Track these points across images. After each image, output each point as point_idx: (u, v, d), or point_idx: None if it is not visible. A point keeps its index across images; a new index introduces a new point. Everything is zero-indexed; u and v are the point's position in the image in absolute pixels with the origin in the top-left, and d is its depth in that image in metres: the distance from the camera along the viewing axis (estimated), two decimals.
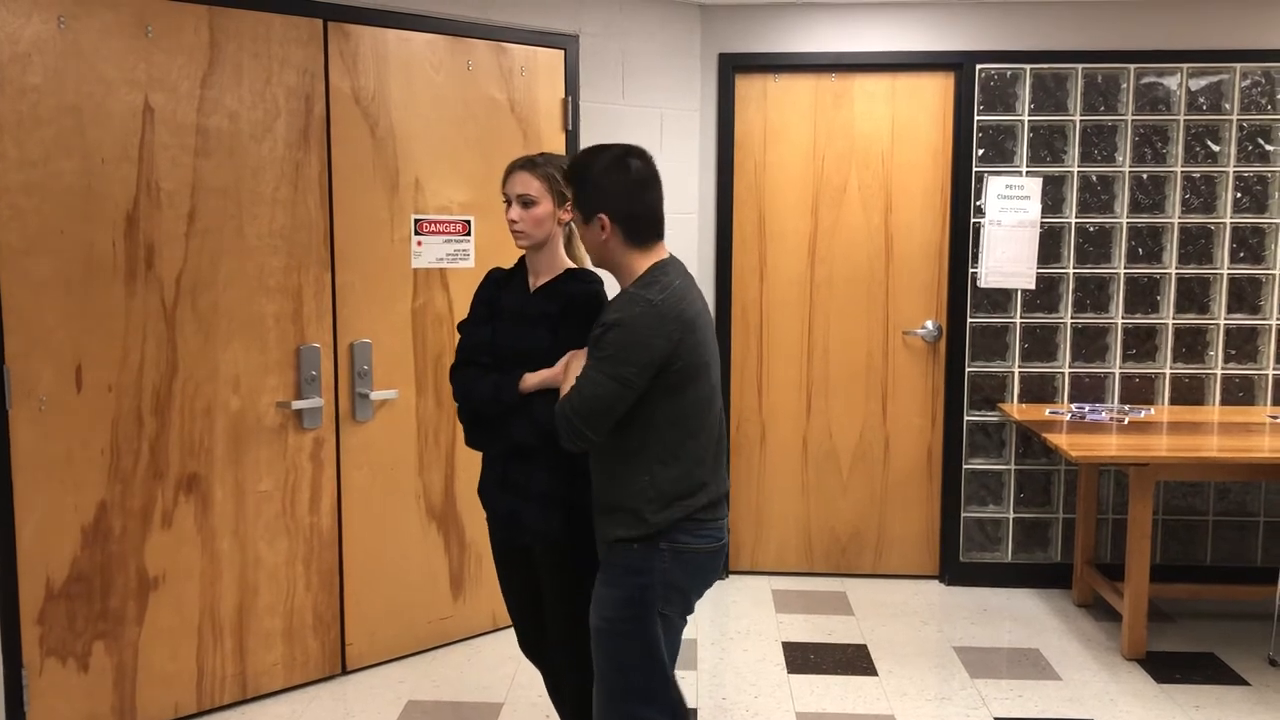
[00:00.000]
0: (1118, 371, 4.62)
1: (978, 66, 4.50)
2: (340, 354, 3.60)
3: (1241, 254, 4.54)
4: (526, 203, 2.52)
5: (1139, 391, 4.63)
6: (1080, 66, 4.48)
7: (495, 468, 2.62)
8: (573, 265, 2.66)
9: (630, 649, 2.33)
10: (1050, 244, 4.57)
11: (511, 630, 4.16)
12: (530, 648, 2.81)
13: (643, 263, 2.33)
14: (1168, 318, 4.59)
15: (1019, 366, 4.64)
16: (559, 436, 2.29)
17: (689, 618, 2.47)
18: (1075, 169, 4.53)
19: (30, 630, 3.08)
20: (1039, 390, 4.64)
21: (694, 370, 2.28)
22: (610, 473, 2.34)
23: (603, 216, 2.29)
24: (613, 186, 2.29)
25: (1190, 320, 4.59)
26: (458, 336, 2.68)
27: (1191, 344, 4.60)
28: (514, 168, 2.58)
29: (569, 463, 2.48)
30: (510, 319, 2.59)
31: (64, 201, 3.04)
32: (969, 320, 4.61)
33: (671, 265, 2.34)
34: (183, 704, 3.38)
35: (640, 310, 2.21)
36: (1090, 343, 4.62)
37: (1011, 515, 4.70)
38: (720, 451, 2.40)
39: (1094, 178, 4.54)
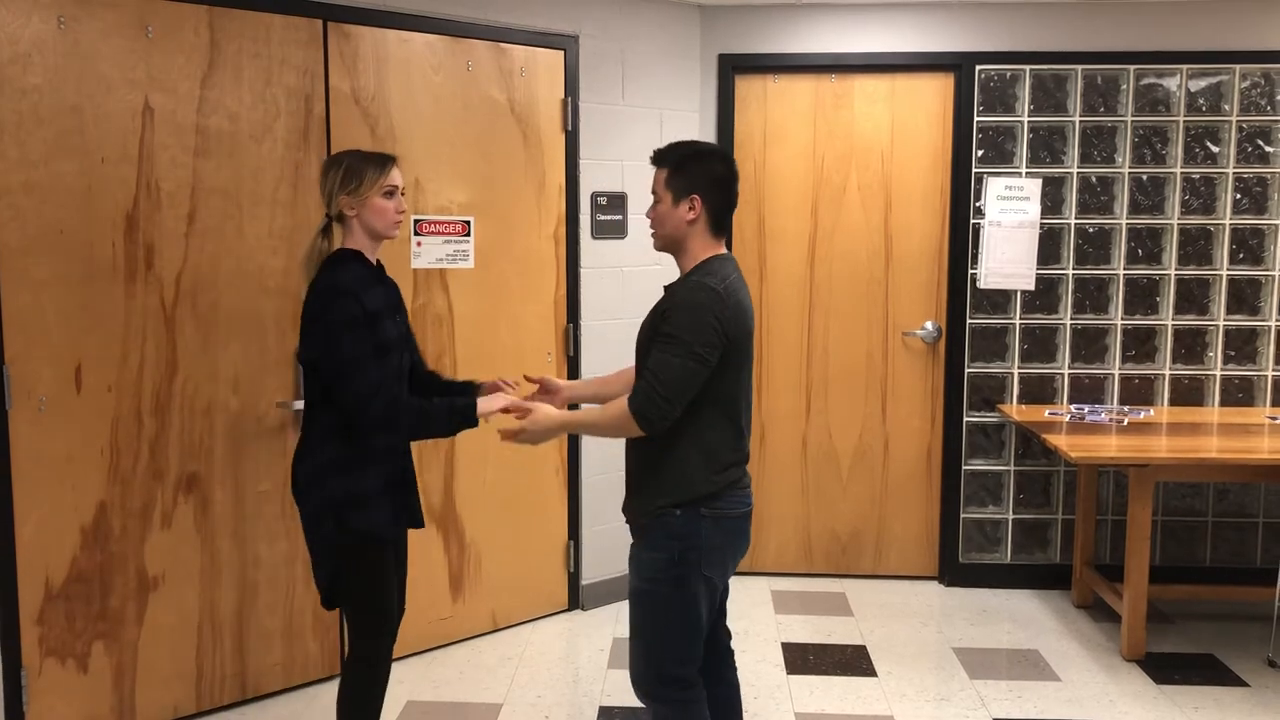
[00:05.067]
0: (1117, 372, 4.62)
1: (977, 67, 4.51)
2: None
3: (1241, 255, 4.55)
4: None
5: (1138, 392, 4.63)
6: (1080, 67, 4.48)
7: (402, 462, 2.76)
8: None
9: (670, 609, 2.48)
10: (1050, 245, 4.57)
11: (512, 630, 4.16)
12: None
13: (706, 250, 2.52)
14: (1167, 319, 4.59)
15: (1018, 367, 4.64)
16: (646, 421, 2.38)
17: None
18: (1075, 170, 4.54)
19: (30, 630, 3.08)
20: (1038, 391, 4.65)
21: (743, 354, 2.49)
22: (662, 446, 2.46)
23: (696, 197, 2.47)
24: (710, 173, 2.50)
25: (1190, 321, 4.59)
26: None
27: (1191, 345, 4.60)
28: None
29: None
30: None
31: (64, 202, 3.04)
32: (968, 321, 4.61)
33: (730, 260, 2.54)
34: (182, 704, 3.38)
35: (704, 295, 2.40)
36: (1090, 344, 4.62)
37: (1011, 516, 4.70)
38: (749, 425, 2.61)
39: (1093, 179, 4.54)
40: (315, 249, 2.67)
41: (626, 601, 2.62)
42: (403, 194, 2.71)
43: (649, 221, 2.57)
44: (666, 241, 2.54)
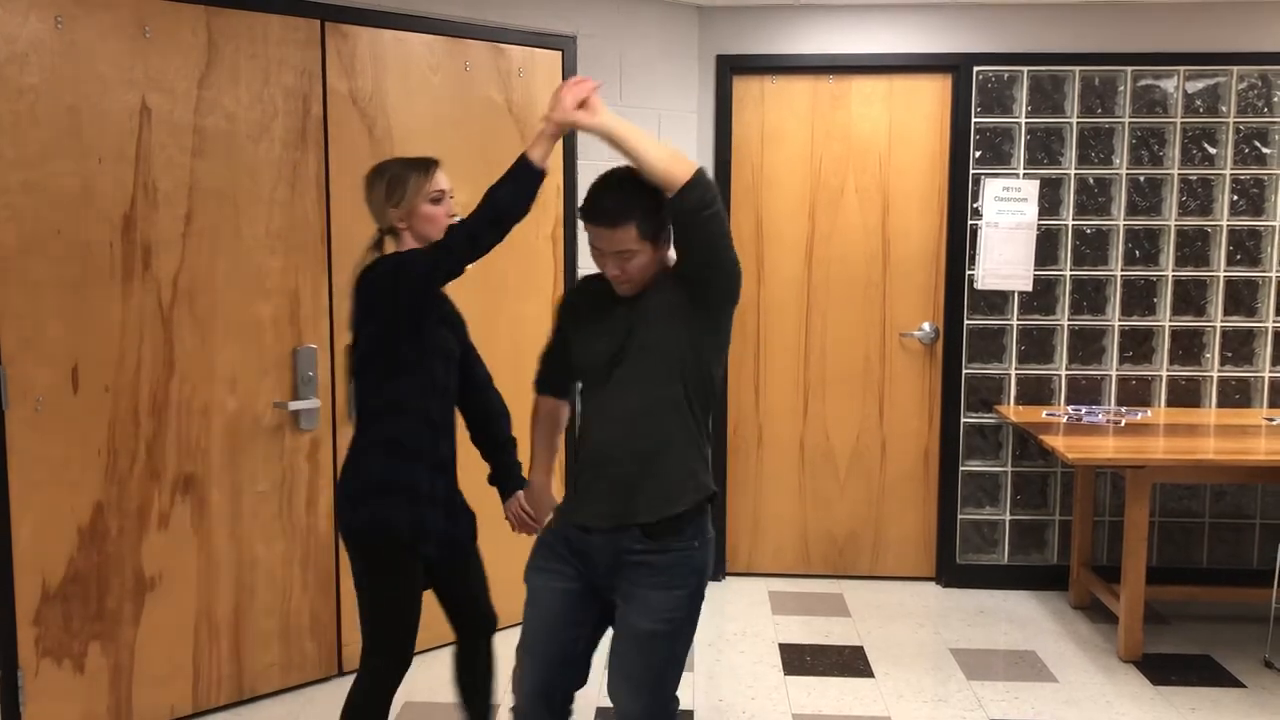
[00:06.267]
0: (1114, 374, 4.63)
1: (975, 69, 4.51)
2: (337, 355, 3.60)
3: (1238, 256, 4.55)
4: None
5: (1135, 393, 4.63)
6: (1077, 69, 4.49)
7: (447, 477, 2.67)
8: None
9: (685, 646, 2.36)
10: (1047, 246, 4.57)
11: (511, 630, 4.15)
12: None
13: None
14: (1164, 320, 4.60)
15: (1016, 368, 4.64)
16: (700, 185, 2.22)
17: None
18: (1072, 171, 4.54)
19: (26, 631, 3.08)
20: (1036, 392, 4.65)
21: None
22: (678, 441, 2.30)
23: (669, 228, 2.32)
24: (659, 200, 2.29)
25: (1187, 322, 4.60)
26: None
27: (1188, 346, 4.61)
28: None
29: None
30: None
31: (61, 202, 3.04)
32: (966, 322, 4.62)
33: None
34: (179, 705, 3.38)
35: None
36: (1087, 345, 4.62)
37: (1008, 517, 4.71)
38: None
39: (1091, 180, 4.55)
40: (368, 262, 2.55)
41: None
42: (451, 196, 2.58)
43: (620, 275, 2.29)
44: (646, 282, 2.33)
